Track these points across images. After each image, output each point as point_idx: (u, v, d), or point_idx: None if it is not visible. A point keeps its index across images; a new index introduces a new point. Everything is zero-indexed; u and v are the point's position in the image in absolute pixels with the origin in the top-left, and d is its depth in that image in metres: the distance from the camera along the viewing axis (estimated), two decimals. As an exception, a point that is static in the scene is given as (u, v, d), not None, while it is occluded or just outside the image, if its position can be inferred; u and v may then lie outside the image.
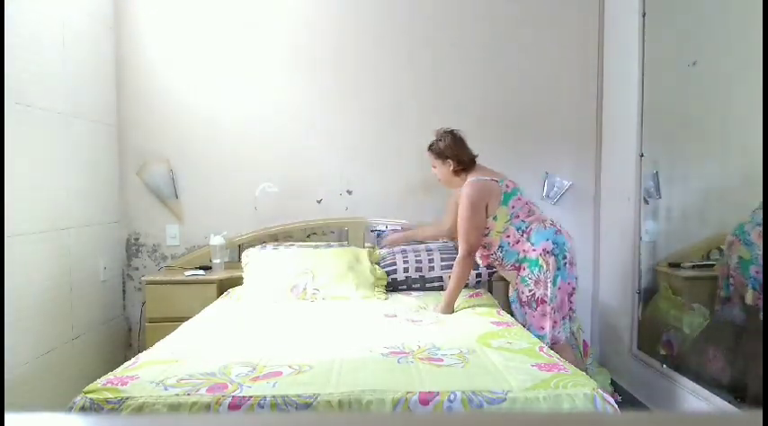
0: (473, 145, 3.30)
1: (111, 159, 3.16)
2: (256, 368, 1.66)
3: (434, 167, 2.68)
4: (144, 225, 3.27)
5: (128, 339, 3.29)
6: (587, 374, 1.75)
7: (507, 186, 2.54)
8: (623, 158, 2.96)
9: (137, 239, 3.27)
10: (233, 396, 1.45)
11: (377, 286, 2.79)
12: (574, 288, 2.50)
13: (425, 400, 1.44)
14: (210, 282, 2.93)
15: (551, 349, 1.99)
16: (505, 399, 1.45)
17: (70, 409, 1.46)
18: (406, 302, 2.64)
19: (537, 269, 2.43)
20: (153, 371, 1.63)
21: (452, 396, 1.44)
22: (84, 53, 2.88)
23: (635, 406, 2.76)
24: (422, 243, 3.14)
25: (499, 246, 2.54)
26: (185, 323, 2.28)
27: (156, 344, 1.96)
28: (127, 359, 2.09)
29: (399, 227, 3.34)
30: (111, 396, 1.47)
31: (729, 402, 2.16)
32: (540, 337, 2.38)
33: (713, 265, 2.45)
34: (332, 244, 3.14)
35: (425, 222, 3.33)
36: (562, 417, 0.73)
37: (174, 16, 3.23)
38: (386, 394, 1.46)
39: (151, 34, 3.23)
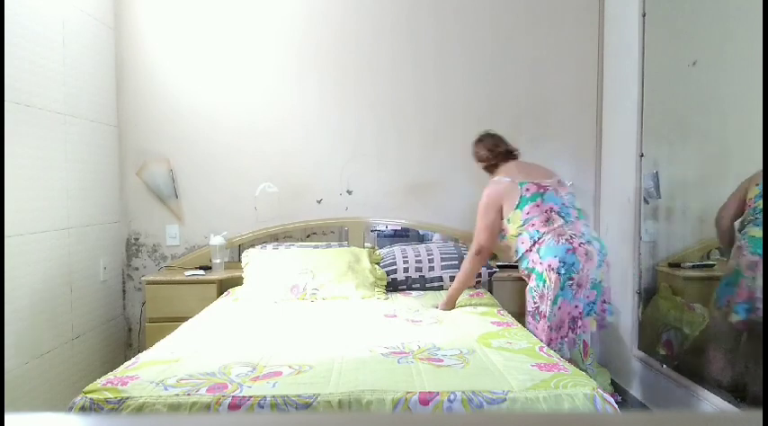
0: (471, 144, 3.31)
1: (111, 159, 3.16)
2: (256, 368, 1.66)
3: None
4: (144, 225, 3.27)
5: (128, 339, 3.29)
6: (587, 374, 1.74)
7: (528, 190, 2.44)
8: (623, 158, 2.96)
9: (137, 239, 3.27)
10: (233, 396, 1.45)
11: (377, 286, 2.80)
12: (581, 313, 2.34)
13: (425, 400, 1.44)
14: (210, 282, 2.93)
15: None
16: (505, 399, 1.45)
17: (70, 409, 1.46)
18: (405, 302, 2.64)
19: (542, 283, 2.36)
20: (153, 371, 1.63)
21: (452, 396, 1.44)
22: (84, 53, 2.88)
23: (635, 406, 2.76)
24: (422, 242, 3.14)
25: (516, 251, 2.49)
26: (185, 323, 2.28)
27: (156, 344, 1.96)
28: (127, 359, 2.09)
29: (399, 227, 3.35)
30: (111, 396, 1.47)
31: (729, 402, 2.16)
32: None
33: (713, 265, 2.45)
34: (332, 243, 3.14)
35: (425, 222, 3.34)
36: (562, 417, 0.72)
37: (173, 16, 3.23)
38: (386, 394, 1.45)
39: (151, 34, 3.23)
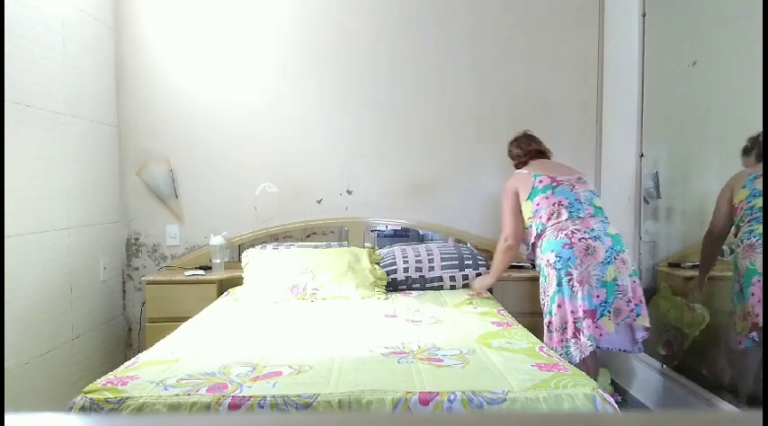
0: (472, 144, 3.32)
1: (111, 159, 3.16)
2: (256, 368, 1.66)
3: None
4: (144, 225, 3.27)
5: (128, 339, 3.29)
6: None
7: (540, 182, 2.48)
8: (623, 158, 2.96)
9: (137, 239, 3.27)
10: (233, 396, 1.45)
11: (377, 286, 2.80)
12: (585, 312, 2.22)
13: (425, 400, 1.44)
14: (210, 282, 2.93)
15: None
16: (505, 399, 1.45)
17: (70, 409, 1.46)
18: (405, 302, 2.64)
19: (544, 279, 2.37)
20: (153, 371, 1.63)
21: (452, 396, 1.44)
22: (84, 53, 2.88)
23: (635, 406, 2.76)
24: (422, 242, 3.15)
25: (528, 243, 2.56)
26: (185, 323, 2.28)
27: (156, 344, 1.96)
28: (127, 359, 2.09)
29: (399, 227, 3.35)
30: (111, 396, 1.47)
31: (729, 402, 2.16)
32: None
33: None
34: (332, 243, 3.14)
35: (425, 222, 3.34)
36: (562, 417, 0.72)
37: (174, 16, 3.23)
38: (386, 394, 1.45)
39: (151, 34, 3.23)
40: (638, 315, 2.29)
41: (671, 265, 2.70)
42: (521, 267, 3.14)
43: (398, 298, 2.72)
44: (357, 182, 3.30)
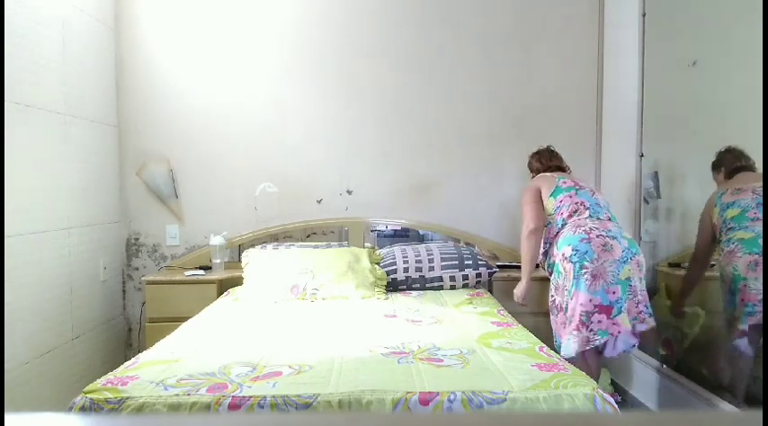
0: (472, 144, 3.32)
1: (111, 159, 3.16)
2: (256, 368, 1.66)
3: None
4: (144, 225, 3.27)
5: (128, 339, 3.29)
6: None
7: (564, 183, 2.55)
8: (623, 158, 2.96)
9: (137, 239, 3.27)
10: (233, 396, 1.45)
11: (377, 286, 2.79)
12: (598, 306, 2.23)
13: (425, 400, 1.44)
14: (210, 282, 2.93)
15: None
16: (505, 399, 1.45)
17: (70, 409, 1.46)
18: (405, 302, 2.64)
19: (557, 274, 2.38)
20: (153, 371, 1.63)
21: (452, 396, 1.44)
22: (84, 53, 2.88)
23: (635, 406, 2.76)
24: (422, 242, 3.15)
25: (544, 241, 2.58)
26: (185, 323, 2.27)
27: (156, 344, 1.96)
28: (127, 359, 2.09)
29: (399, 227, 3.35)
30: (111, 396, 1.47)
31: (729, 402, 2.16)
32: (558, 346, 2.36)
33: (713, 265, 2.45)
34: (332, 243, 3.14)
35: (425, 222, 3.34)
36: (562, 417, 0.72)
37: (174, 16, 3.23)
38: (386, 394, 1.45)
39: (151, 34, 3.23)
40: (649, 316, 2.32)
41: (671, 265, 2.70)
42: (521, 267, 3.14)
43: (398, 298, 2.72)
44: (357, 182, 3.30)
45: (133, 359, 1.78)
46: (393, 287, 2.89)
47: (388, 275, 2.87)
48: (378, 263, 2.94)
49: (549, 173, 2.65)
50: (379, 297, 2.72)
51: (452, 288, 2.91)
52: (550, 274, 2.50)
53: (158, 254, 3.27)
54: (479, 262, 2.94)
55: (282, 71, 3.27)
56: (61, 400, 2.48)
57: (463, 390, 1.46)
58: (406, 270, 2.90)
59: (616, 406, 1.49)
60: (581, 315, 2.25)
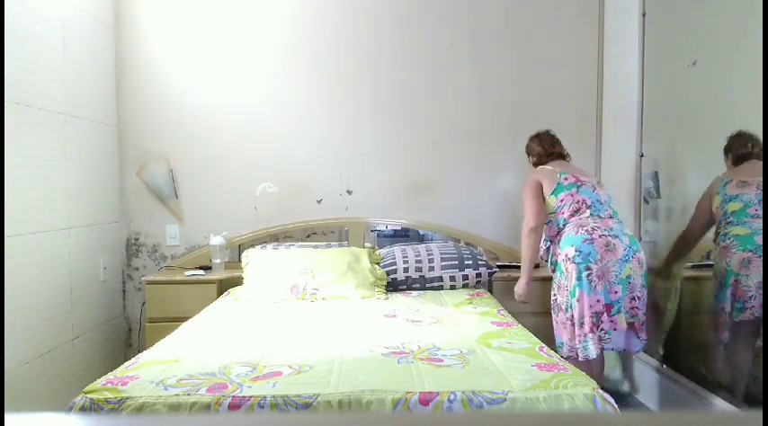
0: (472, 144, 3.32)
1: (111, 159, 3.16)
2: (256, 368, 1.66)
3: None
4: (144, 225, 3.27)
5: (128, 339, 3.29)
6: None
7: (566, 179, 2.50)
8: (623, 158, 2.96)
9: (137, 239, 3.27)
10: (233, 396, 1.45)
11: (377, 286, 2.79)
12: (605, 306, 2.26)
13: (425, 400, 1.44)
14: (210, 282, 2.93)
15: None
16: (505, 399, 1.45)
17: (70, 409, 1.46)
18: (405, 302, 2.64)
19: (560, 274, 2.37)
20: (153, 371, 1.63)
21: (452, 397, 1.44)
22: (84, 53, 2.88)
23: (635, 406, 2.76)
24: (422, 242, 3.15)
25: (543, 239, 2.56)
26: (185, 323, 2.27)
27: (156, 344, 1.96)
28: (127, 359, 2.09)
29: (399, 227, 3.35)
30: (111, 396, 1.47)
31: (729, 402, 2.16)
32: (559, 346, 2.36)
33: (713, 265, 2.45)
34: (332, 243, 3.14)
35: (425, 222, 3.34)
36: (562, 417, 0.72)
37: (174, 16, 3.23)
38: (386, 394, 1.45)
39: (151, 34, 3.23)
40: (643, 313, 2.34)
41: (671, 265, 2.69)
42: (521, 267, 3.14)
43: (398, 298, 2.72)
44: (357, 182, 3.30)
45: (133, 359, 1.78)
46: (393, 287, 2.89)
47: (388, 275, 2.87)
48: (378, 263, 2.94)
49: (549, 167, 2.59)
50: (379, 297, 2.72)
51: (452, 288, 2.91)
52: (553, 271, 2.50)
53: (158, 254, 3.27)
54: (479, 262, 2.94)
55: (282, 71, 3.27)
56: (61, 400, 2.48)
57: (463, 390, 1.46)
58: (406, 270, 2.90)
59: (616, 406, 1.49)
60: (591, 316, 2.27)
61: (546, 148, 2.70)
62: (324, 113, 3.29)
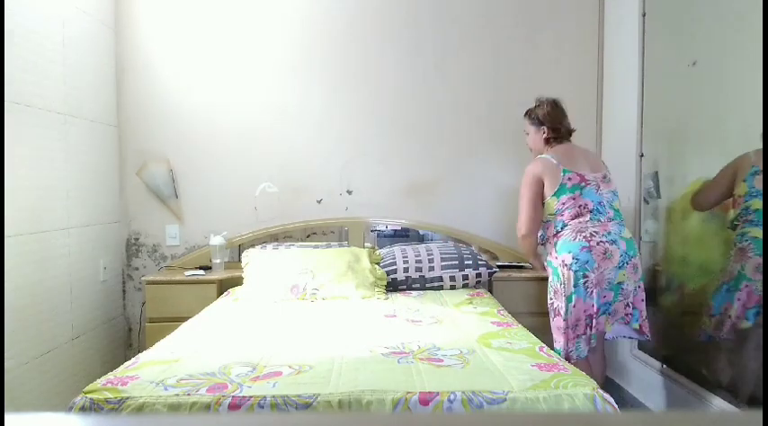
0: (473, 144, 3.32)
1: (111, 159, 3.17)
2: (256, 368, 1.66)
3: (527, 133, 2.59)
4: (144, 225, 3.27)
5: (128, 339, 3.29)
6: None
7: (570, 179, 2.35)
8: (623, 158, 2.95)
9: (137, 239, 3.27)
10: (233, 396, 1.45)
11: (377, 286, 2.79)
12: (598, 310, 2.27)
13: (425, 400, 1.44)
14: (210, 282, 2.93)
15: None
16: (505, 399, 1.45)
17: (70, 409, 1.46)
18: (405, 302, 2.64)
19: (557, 278, 2.35)
20: (153, 371, 1.63)
21: (452, 397, 1.44)
22: (84, 53, 2.88)
23: (635, 406, 2.76)
24: (422, 242, 3.15)
25: (540, 235, 2.49)
26: (185, 323, 2.28)
27: (156, 344, 1.96)
28: (127, 359, 2.09)
29: (399, 227, 3.35)
30: (111, 396, 1.47)
31: (729, 402, 2.16)
32: (557, 351, 2.36)
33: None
34: (332, 243, 3.14)
35: (425, 222, 3.34)
36: (562, 417, 0.72)
37: (174, 16, 3.23)
38: (386, 394, 1.45)
39: (151, 34, 3.23)
40: (633, 318, 2.32)
41: (671, 265, 2.69)
42: (521, 267, 3.14)
43: (398, 298, 2.72)
44: (357, 182, 3.30)
45: (133, 359, 1.78)
46: (393, 287, 2.89)
47: (388, 275, 2.88)
48: (378, 263, 2.94)
49: (554, 160, 2.39)
50: (379, 297, 2.72)
51: (452, 288, 2.91)
52: (548, 272, 2.47)
53: (158, 254, 3.27)
54: (479, 262, 2.94)
55: (282, 71, 3.27)
56: (61, 400, 2.49)
57: (463, 390, 1.46)
58: (406, 270, 2.90)
59: (616, 406, 1.49)
60: (585, 319, 2.29)
61: (555, 120, 2.48)
62: (324, 113, 3.29)
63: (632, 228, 2.86)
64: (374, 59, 3.29)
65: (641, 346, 2.81)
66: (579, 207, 2.34)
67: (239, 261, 3.03)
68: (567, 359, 2.29)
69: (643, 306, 2.35)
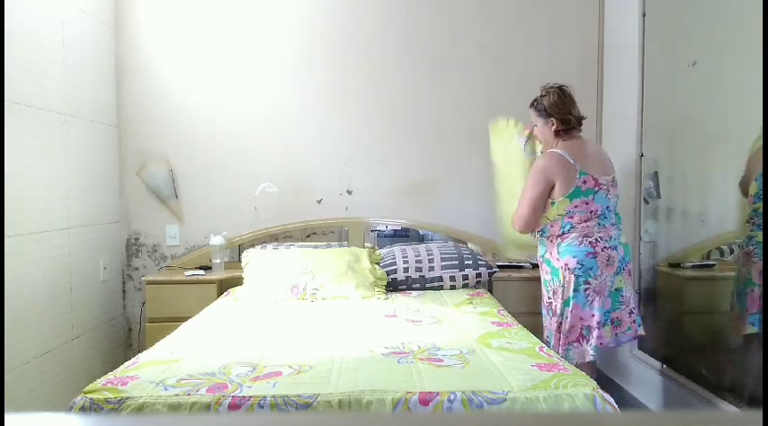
0: (473, 144, 3.32)
1: (111, 159, 3.17)
2: (256, 368, 1.66)
3: (535, 125, 2.42)
4: (144, 225, 3.27)
5: (128, 339, 3.29)
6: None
7: (585, 183, 2.22)
8: (623, 158, 2.95)
9: (137, 239, 3.27)
10: (233, 396, 1.45)
11: (377, 286, 2.79)
12: (598, 322, 2.22)
13: (425, 400, 1.44)
14: (210, 282, 2.93)
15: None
16: (505, 399, 1.45)
17: (70, 409, 1.46)
18: (405, 302, 2.64)
19: (557, 280, 2.29)
20: (153, 371, 1.63)
21: (452, 397, 1.44)
22: (84, 53, 2.88)
23: (635, 406, 2.76)
24: (422, 242, 3.15)
25: (540, 231, 2.36)
26: (185, 323, 2.28)
27: (156, 344, 1.96)
28: (127, 359, 2.09)
29: (399, 227, 3.35)
30: (111, 396, 1.47)
31: (729, 402, 2.16)
32: (552, 348, 2.35)
33: (713, 265, 2.45)
34: (332, 243, 3.14)
35: (425, 222, 3.33)
36: (562, 417, 0.73)
37: (174, 16, 3.23)
38: (386, 394, 1.45)
39: (151, 34, 3.23)
40: (639, 325, 2.33)
41: (671, 265, 2.70)
42: (521, 267, 3.14)
43: (398, 298, 2.72)
44: (357, 182, 3.30)
45: (133, 359, 1.78)
46: (393, 287, 2.89)
47: (388, 275, 2.88)
48: (378, 263, 2.94)
49: (570, 159, 2.23)
50: (379, 297, 2.72)
51: (452, 288, 2.91)
52: (540, 264, 2.42)
53: (158, 254, 3.27)
54: (479, 262, 2.94)
55: (282, 71, 3.27)
56: (61, 400, 2.48)
57: (463, 390, 1.46)
58: (406, 270, 2.90)
59: (616, 406, 1.49)
60: (582, 328, 2.24)
61: (565, 112, 2.29)
62: (324, 113, 3.29)
63: (632, 228, 2.86)
64: (374, 59, 3.29)
65: (641, 346, 2.81)
66: (590, 212, 2.25)
67: (239, 261, 3.03)
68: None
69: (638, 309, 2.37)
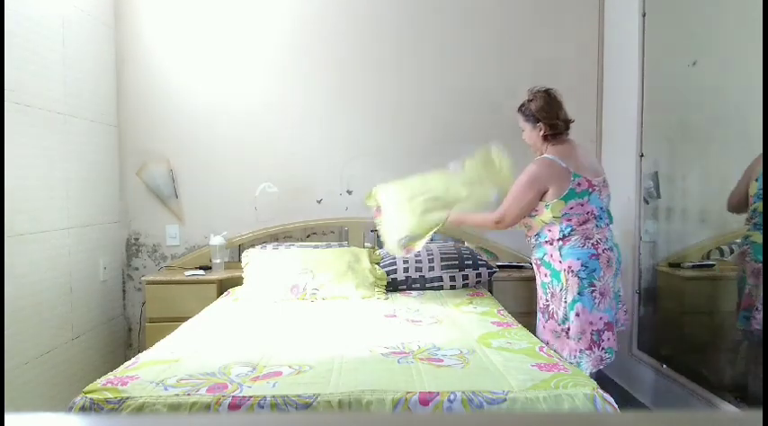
0: (473, 144, 3.31)
1: (111, 159, 3.17)
2: (256, 368, 1.66)
3: (523, 130, 2.40)
4: (144, 225, 3.27)
5: (128, 339, 3.29)
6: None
7: (579, 185, 2.21)
8: (623, 158, 2.95)
9: (137, 239, 3.27)
10: (233, 396, 1.45)
11: (377, 286, 2.80)
12: (606, 324, 2.20)
13: (425, 400, 1.44)
14: (210, 282, 2.93)
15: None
16: (505, 399, 1.45)
17: (70, 409, 1.46)
18: (405, 302, 2.64)
19: (557, 283, 2.26)
20: (153, 371, 1.63)
21: (452, 397, 1.44)
22: (84, 52, 2.88)
23: (635, 406, 2.76)
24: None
25: (536, 234, 2.34)
26: (185, 323, 2.28)
27: (156, 344, 1.96)
28: (127, 359, 2.09)
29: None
30: (111, 396, 1.47)
31: (729, 402, 2.16)
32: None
33: (713, 265, 2.45)
34: (332, 243, 3.14)
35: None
36: (562, 417, 0.73)
37: (174, 16, 3.23)
38: (386, 394, 1.45)
39: (151, 34, 3.23)
40: (628, 322, 2.46)
41: (671, 265, 2.70)
42: (521, 267, 3.14)
43: (398, 298, 2.72)
44: (357, 182, 3.30)
45: (133, 359, 1.78)
46: (393, 287, 2.89)
47: (388, 275, 2.88)
48: (378, 263, 2.94)
49: (563, 163, 2.23)
50: (379, 297, 2.72)
51: (452, 288, 2.91)
52: (538, 266, 2.38)
53: (158, 254, 3.27)
54: (479, 262, 2.94)
55: (282, 71, 3.27)
56: (61, 400, 2.48)
57: (463, 390, 1.46)
58: (406, 270, 2.90)
59: (616, 406, 1.49)
60: (592, 334, 2.20)
61: (552, 117, 2.29)
62: (324, 113, 3.29)
63: (632, 228, 2.86)
64: (374, 59, 3.29)
65: (641, 346, 2.81)
66: (587, 213, 2.24)
67: (239, 261, 3.03)
68: None
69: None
